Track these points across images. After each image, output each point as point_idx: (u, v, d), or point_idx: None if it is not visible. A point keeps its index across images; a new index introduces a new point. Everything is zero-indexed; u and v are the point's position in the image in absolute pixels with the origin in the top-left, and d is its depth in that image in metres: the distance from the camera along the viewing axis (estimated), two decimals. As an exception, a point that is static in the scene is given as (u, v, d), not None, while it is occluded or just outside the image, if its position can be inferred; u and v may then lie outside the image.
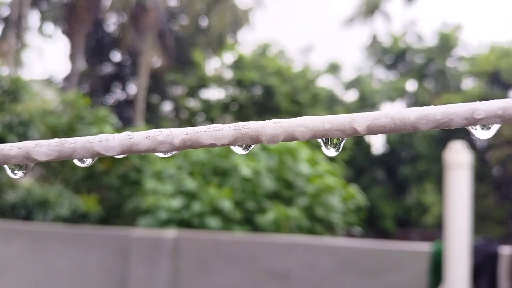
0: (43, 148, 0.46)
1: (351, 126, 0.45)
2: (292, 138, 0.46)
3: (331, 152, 0.49)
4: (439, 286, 3.17)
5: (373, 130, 0.45)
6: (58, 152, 0.46)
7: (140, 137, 0.46)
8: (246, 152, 0.49)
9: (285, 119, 0.46)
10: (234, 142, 0.46)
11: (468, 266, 2.87)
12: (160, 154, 0.47)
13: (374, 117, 0.45)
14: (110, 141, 0.46)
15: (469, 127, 0.46)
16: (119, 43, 18.60)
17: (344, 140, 0.49)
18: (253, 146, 0.48)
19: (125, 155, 0.47)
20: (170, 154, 0.47)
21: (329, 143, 0.49)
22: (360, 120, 0.45)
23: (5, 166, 0.47)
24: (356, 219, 5.76)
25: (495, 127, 0.47)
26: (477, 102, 0.45)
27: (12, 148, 0.46)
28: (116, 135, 0.46)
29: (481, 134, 0.47)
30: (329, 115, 0.46)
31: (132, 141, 0.45)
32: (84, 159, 0.47)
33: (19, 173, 0.48)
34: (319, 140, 0.48)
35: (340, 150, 0.49)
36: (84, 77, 19.14)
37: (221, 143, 0.46)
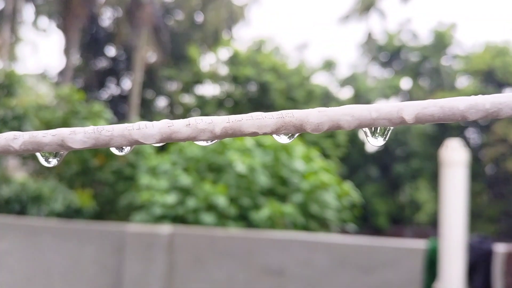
0: (78, 135, 0.45)
1: (398, 115, 0.44)
2: (337, 127, 0.45)
3: (379, 141, 0.48)
4: (433, 283, 3.19)
5: (421, 119, 0.44)
6: (95, 139, 0.45)
7: (181, 125, 0.45)
8: (291, 140, 0.48)
9: (330, 108, 0.45)
10: (278, 131, 0.45)
11: (463, 264, 2.88)
12: (201, 143, 0.47)
13: (423, 106, 0.44)
14: (149, 128, 0.45)
15: None
16: (114, 38, 18.52)
17: (391, 129, 0.48)
18: (296, 135, 0.47)
19: (162, 144, 0.46)
20: (210, 142, 0.47)
21: (377, 132, 0.47)
22: (408, 109, 0.44)
23: (38, 154, 0.46)
24: (350, 216, 5.78)
25: None
26: None
27: (46, 135, 0.45)
28: (155, 122, 0.45)
29: None
30: (376, 104, 0.46)
31: (172, 129, 0.45)
32: (123, 147, 0.46)
33: (53, 161, 0.47)
34: (365, 129, 0.47)
35: (386, 139, 0.48)
36: (78, 72, 19.05)
37: (263, 132, 0.45)
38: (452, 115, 0.43)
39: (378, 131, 0.47)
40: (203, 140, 0.45)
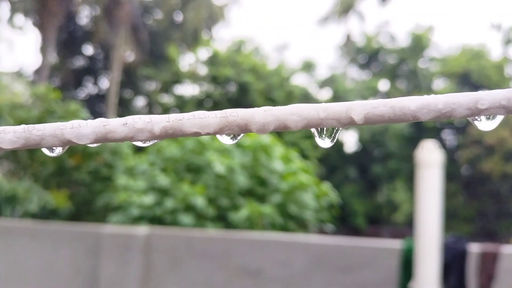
0: (8, 135, 0.42)
1: (347, 115, 0.42)
2: (284, 127, 0.43)
3: (326, 143, 0.46)
4: (409, 283, 3.22)
5: (370, 120, 0.42)
6: (25, 139, 0.42)
7: (117, 124, 0.42)
8: (234, 142, 0.46)
9: (277, 107, 0.43)
10: (221, 131, 0.43)
11: (438, 263, 2.92)
12: (139, 143, 0.44)
13: (372, 105, 0.42)
14: (83, 128, 0.42)
15: (472, 118, 0.44)
16: (92, 36, 18.28)
17: (340, 131, 0.46)
18: (241, 135, 0.45)
19: (99, 144, 0.43)
20: (149, 143, 0.44)
21: (324, 133, 0.45)
22: (357, 108, 0.42)
23: None
24: (328, 216, 5.81)
25: (499, 119, 0.44)
26: (481, 92, 0.43)
27: None
28: (90, 121, 0.42)
29: (484, 125, 0.45)
30: (324, 103, 0.43)
31: (108, 129, 0.42)
32: (54, 148, 0.44)
33: None
34: (313, 130, 0.45)
35: (334, 141, 0.46)
36: (55, 71, 18.75)
37: (206, 132, 0.43)
38: (403, 115, 0.42)
39: (325, 132, 0.45)
40: (142, 140, 0.43)
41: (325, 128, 0.45)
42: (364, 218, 17.59)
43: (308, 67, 20.19)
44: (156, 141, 0.44)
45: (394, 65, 20.84)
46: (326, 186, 5.75)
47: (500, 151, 16.32)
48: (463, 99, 0.42)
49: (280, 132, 12.40)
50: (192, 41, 18.15)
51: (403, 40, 20.72)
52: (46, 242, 4.29)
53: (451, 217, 16.08)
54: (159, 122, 0.43)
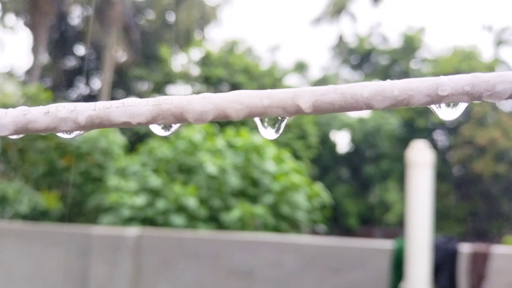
0: None
1: (294, 103, 0.39)
2: (224, 116, 0.39)
3: (269, 133, 0.42)
4: (400, 283, 3.23)
5: (319, 108, 0.39)
6: None
7: (38, 113, 0.38)
8: (167, 133, 0.41)
9: (217, 93, 0.40)
10: (154, 121, 0.39)
11: (428, 263, 2.92)
12: (63, 135, 0.40)
13: (322, 92, 0.39)
14: (2, 118, 0.38)
15: (432, 106, 0.40)
16: (83, 36, 18.19)
17: (286, 120, 0.42)
18: (176, 126, 0.41)
19: (20, 136, 0.40)
20: (74, 134, 0.40)
21: (265, 121, 0.41)
22: (304, 95, 0.39)
23: None
24: (320, 217, 5.81)
25: (462, 106, 0.41)
26: (442, 77, 0.39)
27: None
28: (10, 110, 0.39)
29: (445, 114, 0.41)
30: (268, 90, 0.39)
31: (28, 118, 0.38)
32: None
33: None
34: (256, 120, 0.41)
35: (280, 132, 0.42)
36: (46, 71, 18.64)
37: (137, 122, 0.39)
38: (355, 103, 0.38)
39: (267, 121, 0.41)
40: (65, 131, 0.39)
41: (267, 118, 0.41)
42: (357, 219, 17.62)
43: (300, 68, 20.22)
44: (81, 132, 0.40)
45: (386, 66, 20.91)
46: (319, 187, 5.76)
47: (491, 152, 16.41)
48: (422, 85, 0.38)
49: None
50: (185, 41, 18.11)
51: (395, 41, 20.81)
52: (36, 243, 4.26)
53: (443, 217, 16.15)
54: (84, 110, 0.39)
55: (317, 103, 0.39)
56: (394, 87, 0.38)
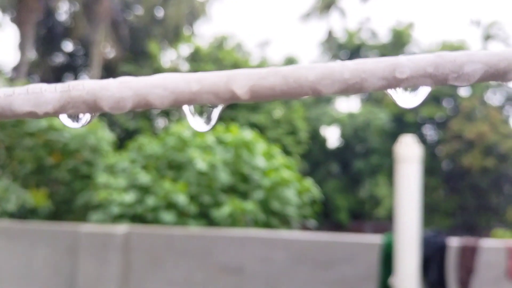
0: None
1: (228, 88, 0.33)
2: (146, 104, 0.33)
3: (199, 125, 0.36)
4: (389, 277, 3.24)
5: (258, 94, 0.33)
6: None
7: None
8: (80, 125, 0.35)
9: (138, 77, 0.34)
10: (63, 110, 0.34)
11: (417, 258, 2.93)
12: None
13: (260, 75, 0.33)
14: None
15: (388, 91, 0.35)
16: (71, 32, 18.03)
17: (220, 108, 0.36)
18: (90, 116, 0.35)
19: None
20: None
21: (195, 111, 0.35)
22: (240, 79, 0.33)
23: None
24: (311, 212, 5.82)
25: (424, 91, 0.35)
26: (400, 56, 0.34)
27: None
28: None
29: (403, 99, 0.35)
30: (199, 73, 0.34)
31: None
32: None
33: None
34: (185, 109, 0.35)
35: (213, 122, 0.36)
36: (34, 68, 18.46)
37: (44, 112, 0.34)
38: (299, 87, 0.33)
39: (195, 109, 0.36)
40: None
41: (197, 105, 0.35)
42: (347, 213, 17.70)
43: (290, 63, 20.21)
44: None
45: (376, 61, 20.98)
46: (309, 182, 5.76)
47: (479, 146, 16.54)
48: (377, 66, 0.33)
49: (262, 128, 12.36)
50: (174, 37, 18.01)
51: (384, 36, 20.86)
52: (23, 241, 4.22)
53: (432, 211, 16.26)
54: None
55: (255, 87, 0.34)
56: (344, 69, 0.33)
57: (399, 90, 0.35)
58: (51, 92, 0.34)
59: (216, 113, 0.36)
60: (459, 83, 0.34)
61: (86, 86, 0.34)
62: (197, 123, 0.36)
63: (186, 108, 0.35)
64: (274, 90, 0.33)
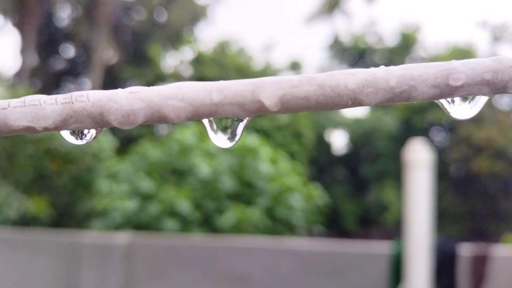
0: None
1: (255, 98, 0.28)
2: (160, 117, 0.28)
3: (221, 141, 0.31)
4: (398, 286, 3.14)
5: (289, 105, 0.28)
6: None
7: None
8: (84, 142, 0.29)
9: (150, 87, 0.29)
10: (64, 125, 0.29)
11: (428, 266, 2.84)
12: None
13: (292, 83, 0.28)
14: None
15: (441, 101, 0.30)
16: (73, 37, 18.06)
17: (245, 122, 0.30)
18: (96, 132, 0.29)
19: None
20: None
21: (217, 126, 0.30)
22: (269, 88, 0.28)
23: None
24: (317, 219, 5.72)
25: (481, 101, 0.30)
26: (454, 61, 0.30)
27: None
28: None
29: (460, 111, 0.30)
30: (221, 81, 0.29)
31: None
32: None
33: None
34: (205, 123, 0.30)
35: (237, 138, 0.30)
36: (35, 73, 18.49)
37: (43, 126, 0.28)
38: (337, 97, 0.28)
39: (218, 124, 0.29)
40: None
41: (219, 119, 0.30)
42: (354, 220, 17.58)
43: (294, 66, 20.12)
44: None
45: (382, 64, 20.88)
46: (315, 188, 5.66)
47: (489, 150, 16.39)
48: (428, 72, 0.29)
49: (267, 133, 12.25)
50: (176, 41, 18.00)
51: (390, 40, 20.76)
52: (22, 251, 4.14)
53: (440, 217, 16.09)
54: None
55: (285, 97, 0.28)
56: (390, 76, 0.29)
57: (457, 100, 0.30)
58: (51, 104, 0.29)
59: (241, 127, 0.31)
60: (519, 91, 0.29)
61: (91, 97, 0.29)
62: (219, 139, 0.31)
63: (206, 122, 0.31)
64: (308, 100, 0.28)
